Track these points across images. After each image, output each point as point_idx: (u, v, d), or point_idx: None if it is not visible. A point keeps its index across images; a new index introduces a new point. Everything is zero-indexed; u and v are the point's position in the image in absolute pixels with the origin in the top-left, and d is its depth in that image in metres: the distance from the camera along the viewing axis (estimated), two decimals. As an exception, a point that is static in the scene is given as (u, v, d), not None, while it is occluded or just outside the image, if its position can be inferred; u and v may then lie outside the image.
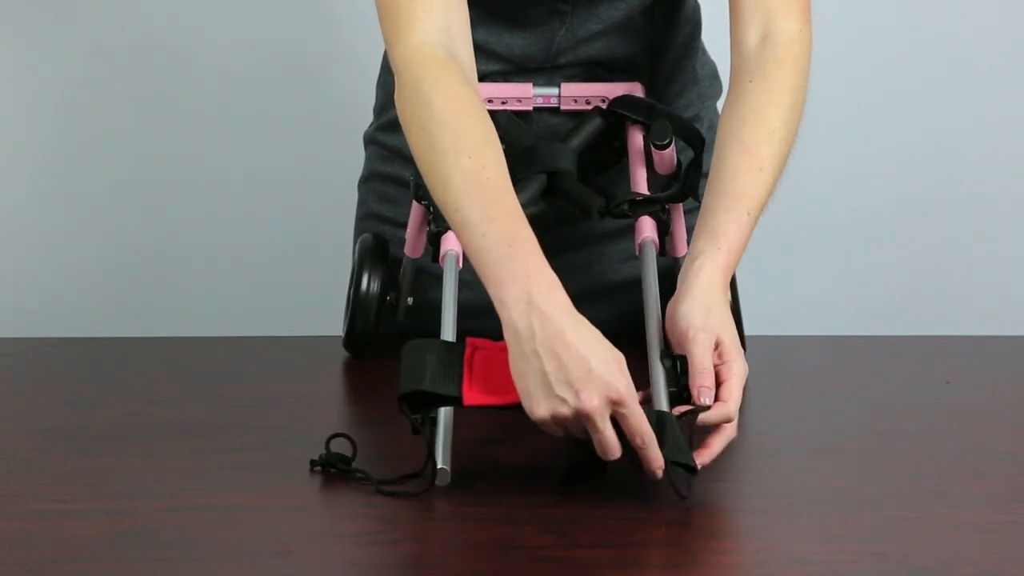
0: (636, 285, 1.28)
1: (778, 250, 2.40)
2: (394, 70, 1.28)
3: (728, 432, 1.17)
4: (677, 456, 1.11)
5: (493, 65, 1.46)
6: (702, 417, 1.15)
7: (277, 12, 2.37)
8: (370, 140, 1.62)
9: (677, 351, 1.19)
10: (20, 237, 2.40)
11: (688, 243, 1.28)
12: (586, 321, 1.14)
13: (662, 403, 1.16)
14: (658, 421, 1.12)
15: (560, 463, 1.15)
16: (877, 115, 2.43)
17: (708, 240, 1.23)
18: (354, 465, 1.17)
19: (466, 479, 1.14)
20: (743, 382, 1.18)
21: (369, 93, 1.65)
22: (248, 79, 2.38)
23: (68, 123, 2.38)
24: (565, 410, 1.10)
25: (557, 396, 1.10)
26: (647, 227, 1.31)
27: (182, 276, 2.42)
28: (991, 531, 1.08)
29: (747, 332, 1.47)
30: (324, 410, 1.38)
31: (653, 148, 1.36)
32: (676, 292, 1.22)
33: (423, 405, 1.15)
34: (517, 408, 1.13)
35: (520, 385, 1.12)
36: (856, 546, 1.04)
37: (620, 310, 1.47)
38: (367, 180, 1.61)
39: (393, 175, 1.57)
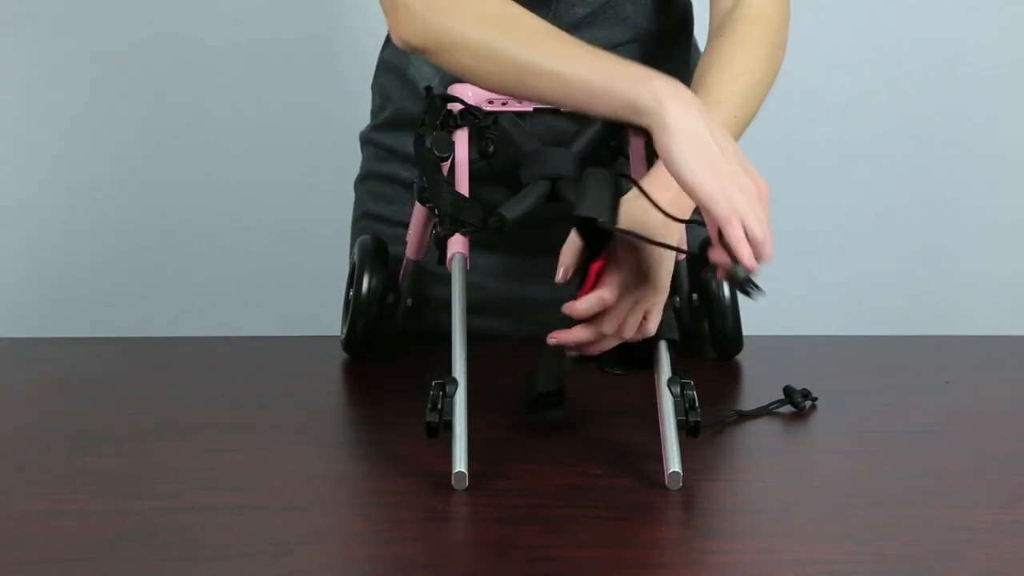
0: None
1: (778, 250, 2.40)
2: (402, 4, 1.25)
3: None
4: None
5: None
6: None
7: (275, 11, 2.37)
8: (366, 140, 1.62)
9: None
10: (20, 237, 2.40)
11: (686, 244, 1.29)
12: None
13: (670, 430, 1.16)
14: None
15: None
16: (877, 117, 2.43)
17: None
18: (353, 469, 1.17)
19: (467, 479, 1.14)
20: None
21: (367, 93, 1.65)
22: (245, 79, 2.38)
23: (66, 124, 2.38)
24: (738, 185, 1.12)
25: (729, 167, 1.13)
26: None
27: (182, 276, 2.42)
28: (991, 531, 1.08)
29: (747, 332, 1.46)
30: (324, 410, 1.38)
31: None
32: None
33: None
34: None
35: (693, 163, 1.13)
36: (855, 546, 1.04)
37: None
38: (363, 179, 1.62)
39: (389, 174, 1.58)
